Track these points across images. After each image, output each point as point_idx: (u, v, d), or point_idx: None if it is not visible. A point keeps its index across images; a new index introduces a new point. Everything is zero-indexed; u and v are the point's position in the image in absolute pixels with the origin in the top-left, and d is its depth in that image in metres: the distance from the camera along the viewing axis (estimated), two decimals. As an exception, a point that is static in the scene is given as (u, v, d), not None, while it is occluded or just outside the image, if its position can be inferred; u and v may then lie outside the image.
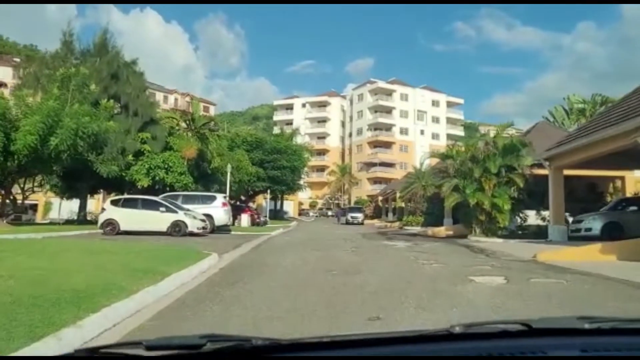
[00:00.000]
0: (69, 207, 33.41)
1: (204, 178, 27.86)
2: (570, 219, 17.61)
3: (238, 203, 37.15)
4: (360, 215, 45.39)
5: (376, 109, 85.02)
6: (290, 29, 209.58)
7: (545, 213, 18.16)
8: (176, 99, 79.90)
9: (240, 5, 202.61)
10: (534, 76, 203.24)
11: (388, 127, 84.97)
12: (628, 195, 19.82)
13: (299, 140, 55.58)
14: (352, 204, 66.03)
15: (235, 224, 26.14)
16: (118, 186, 25.38)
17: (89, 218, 26.00)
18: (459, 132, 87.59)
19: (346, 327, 4.39)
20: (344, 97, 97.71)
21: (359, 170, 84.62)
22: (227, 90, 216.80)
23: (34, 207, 47.51)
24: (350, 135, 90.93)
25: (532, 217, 19.74)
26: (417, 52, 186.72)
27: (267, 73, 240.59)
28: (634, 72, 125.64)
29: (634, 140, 10.54)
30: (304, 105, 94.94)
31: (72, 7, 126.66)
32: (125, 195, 21.60)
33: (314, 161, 74.37)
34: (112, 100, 20.63)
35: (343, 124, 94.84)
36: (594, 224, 15.42)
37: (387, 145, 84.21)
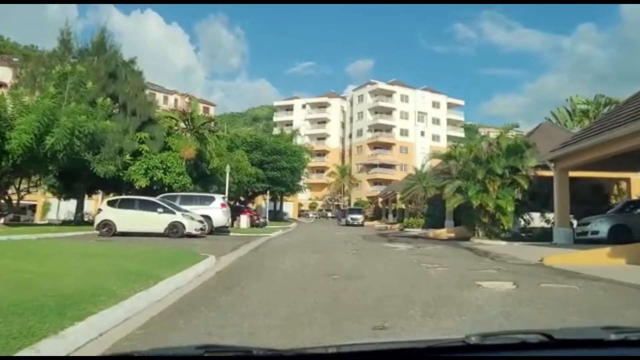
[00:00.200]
0: (67, 208, 33.18)
1: (203, 179, 27.57)
2: (574, 222, 17.32)
3: (237, 204, 36.90)
4: (360, 217, 45.16)
5: (376, 110, 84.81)
6: (290, 30, 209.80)
7: (550, 215, 17.87)
8: (176, 100, 79.69)
9: (240, 6, 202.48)
10: (534, 78, 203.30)
11: (388, 129, 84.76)
12: (634, 197, 19.49)
13: (298, 141, 55.32)
14: (352, 206, 65.73)
15: (234, 225, 25.87)
16: (116, 186, 25.08)
17: (86, 219, 25.69)
18: (460, 133, 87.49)
19: (349, 336, 4.09)
20: (344, 98, 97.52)
21: (359, 171, 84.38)
22: (228, 91, 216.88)
23: (32, 208, 47.29)
24: (350, 136, 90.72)
25: (536, 220, 19.43)
26: (417, 54, 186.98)
27: (268, 74, 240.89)
28: (635, 74, 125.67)
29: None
30: (304, 106, 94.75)
31: (73, 8, 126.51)
32: (122, 196, 21.26)
33: (314, 162, 74.15)
34: (108, 99, 20.28)
35: (343, 125, 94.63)
36: (601, 226, 15.10)
37: (387, 146, 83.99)
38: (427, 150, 68.56)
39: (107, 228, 16.86)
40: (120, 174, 22.59)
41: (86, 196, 28.16)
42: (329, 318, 4.76)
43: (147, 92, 30.90)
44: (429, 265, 9.78)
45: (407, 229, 31.68)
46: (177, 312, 5.04)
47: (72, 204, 28.50)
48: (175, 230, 16.80)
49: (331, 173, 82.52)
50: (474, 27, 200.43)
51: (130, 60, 25.64)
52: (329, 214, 76.96)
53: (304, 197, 76.20)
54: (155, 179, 24.15)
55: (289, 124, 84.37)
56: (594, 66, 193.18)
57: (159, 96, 76.36)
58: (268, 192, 45.17)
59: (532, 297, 6.15)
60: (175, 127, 28.93)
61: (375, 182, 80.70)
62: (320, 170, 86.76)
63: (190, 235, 16.85)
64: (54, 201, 39.32)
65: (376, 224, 48.10)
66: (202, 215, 18.56)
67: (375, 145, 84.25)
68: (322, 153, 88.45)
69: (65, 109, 16.87)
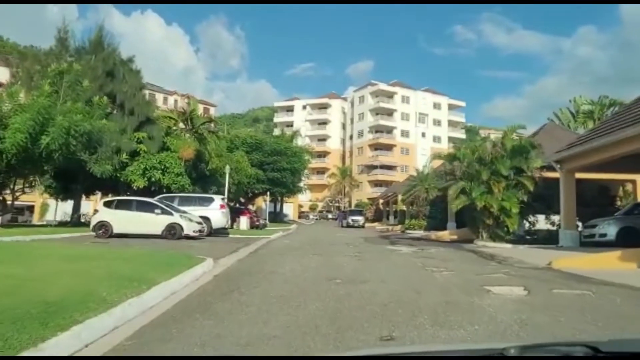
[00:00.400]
0: (65, 209, 32.85)
1: (202, 179, 27.24)
2: (579, 224, 16.98)
3: (237, 205, 36.56)
4: (361, 219, 44.85)
5: (377, 111, 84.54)
6: (291, 31, 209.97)
7: (555, 217, 17.54)
8: (176, 101, 79.36)
9: (240, 7, 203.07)
10: (534, 80, 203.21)
11: (389, 130, 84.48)
12: (640, 199, 19.19)
13: (299, 142, 55.00)
14: (353, 207, 65.36)
15: (234, 226, 25.55)
16: (113, 187, 24.76)
17: (82, 220, 25.35)
18: (461, 135, 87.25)
19: (355, 348, 3.78)
20: (344, 99, 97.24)
21: (359, 172, 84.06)
22: (228, 92, 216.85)
23: (30, 209, 47.02)
24: (351, 137, 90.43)
25: (541, 222, 19.10)
26: (418, 55, 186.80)
27: (268, 75, 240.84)
28: (635, 76, 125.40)
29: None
30: (304, 107, 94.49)
31: (73, 9, 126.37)
32: (119, 197, 20.94)
33: (314, 163, 73.90)
34: (105, 98, 19.93)
35: (344, 126, 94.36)
36: (609, 229, 14.76)
37: (388, 147, 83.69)
38: (428, 152, 68.32)
39: (104, 229, 16.56)
40: (118, 175, 22.27)
41: (84, 197, 27.84)
42: (332, 327, 4.46)
43: (147, 92, 30.62)
44: (434, 269, 9.46)
45: (408, 231, 31.36)
46: (170, 320, 4.74)
47: (70, 205, 28.16)
48: (173, 232, 16.51)
49: (332, 174, 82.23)
50: (474, 28, 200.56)
51: (128, 59, 25.29)
52: (330, 216, 76.66)
53: (305, 198, 75.93)
54: (153, 179, 23.81)
55: (290, 125, 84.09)
56: (594, 68, 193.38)
57: (159, 97, 76.23)
58: (268, 193, 44.85)
59: (546, 304, 5.84)
60: (174, 127, 28.61)
61: (376, 183, 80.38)
62: (321, 171, 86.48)
63: (188, 237, 16.56)
64: (52, 202, 38.97)
65: (377, 225, 47.77)
66: (201, 217, 18.25)
67: (376, 147, 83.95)
68: (322, 154, 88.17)
69: (61, 108, 16.55)
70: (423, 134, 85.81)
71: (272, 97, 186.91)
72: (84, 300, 4.66)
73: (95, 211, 18.10)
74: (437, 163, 33.86)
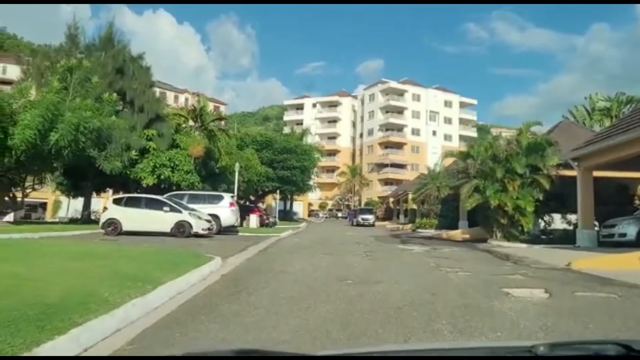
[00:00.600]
0: (76, 206, 32.94)
1: (212, 177, 27.13)
2: (596, 223, 16.52)
3: (246, 203, 36.45)
4: (371, 217, 44.53)
5: (387, 109, 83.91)
6: (301, 30, 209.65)
7: (572, 217, 17.09)
8: (187, 99, 79.61)
9: (251, 6, 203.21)
10: (547, 78, 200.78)
11: (399, 128, 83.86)
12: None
13: (309, 140, 54.74)
14: (363, 206, 64.99)
15: (243, 224, 25.41)
16: (123, 184, 24.72)
17: (93, 217, 25.36)
18: (472, 133, 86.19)
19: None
20: (355, 97, 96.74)
21: (369, 171, 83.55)
22: (238, 91, 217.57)
23: (43, 206, 47.36)
24: (361, 135, 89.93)
25: (557, 221, 18.63)
26: (429, 53, 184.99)
27: (278, 74, 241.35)
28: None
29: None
30: (314, 106, 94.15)
31: (86, 8, 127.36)
32: (128, 194, 20.87)
33: (324, 162, 73.58)
34: (115, 94, 19.84)
35: (354, 124, 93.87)
36: (629, 228, 14.28)
37: (399, 146, 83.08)
38: (438, 150, 67.65)
39: (113, 227, 16.47)
40: (128, 172, 22.21)
41: (94, 194, 27.86)
42: (344, 332, 4.21)
43: (157, 90, 30.53)
44: (448, 269, 9.16)
45: (419, 230, 31.00)
46: (174, 322, 4.53)
47: (81, 202, 28.21)
48: (181, 230, 16.37)
49: (341, 172, 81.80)
50: (486, 26, 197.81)
51: (138, 56, 25.18)
52: (339, 214, 76.34)
53: (314, 196, 75.72)
54: (162, 177, 23.74)
55: (300, 123, 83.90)
56: (607, 66, 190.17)
57: (170, 95, 76.55)
58: (278, 191, 44.71)
59: (571, 308, 5.52)
60: (184, 125, 28.53)
61: (386, 182, 79.84)
62: (331, 169, 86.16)
63: (197, 235, 16.41)
64: (64, 199, 39.17)
65: (387, 224, 47.41)
66: (210, 215, 18.10)
67: (387, 145, 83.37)
68: (332, 152, 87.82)
69: (70, 104, 16.47)
70: (434, 132, 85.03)
71: (282, 96, 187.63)
72: (85, 301, 4.46)
73: (105, 208, 18.02)
74: (449, 161, 33.47)
